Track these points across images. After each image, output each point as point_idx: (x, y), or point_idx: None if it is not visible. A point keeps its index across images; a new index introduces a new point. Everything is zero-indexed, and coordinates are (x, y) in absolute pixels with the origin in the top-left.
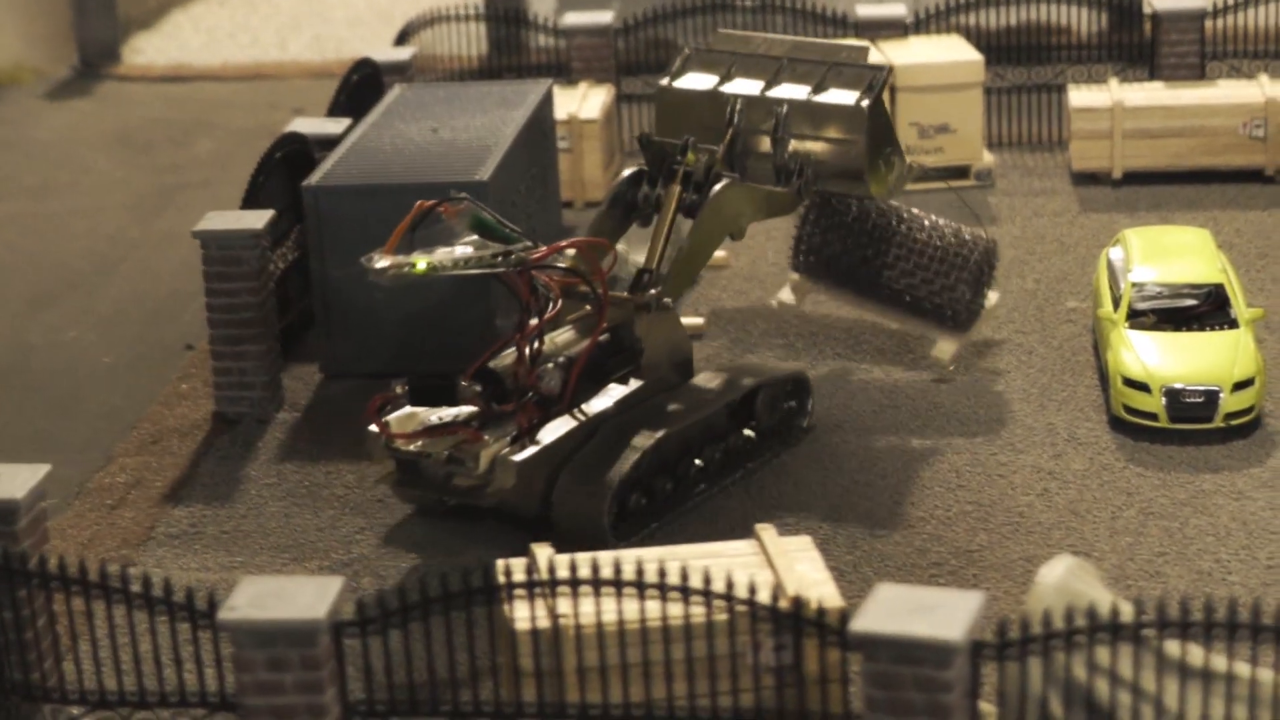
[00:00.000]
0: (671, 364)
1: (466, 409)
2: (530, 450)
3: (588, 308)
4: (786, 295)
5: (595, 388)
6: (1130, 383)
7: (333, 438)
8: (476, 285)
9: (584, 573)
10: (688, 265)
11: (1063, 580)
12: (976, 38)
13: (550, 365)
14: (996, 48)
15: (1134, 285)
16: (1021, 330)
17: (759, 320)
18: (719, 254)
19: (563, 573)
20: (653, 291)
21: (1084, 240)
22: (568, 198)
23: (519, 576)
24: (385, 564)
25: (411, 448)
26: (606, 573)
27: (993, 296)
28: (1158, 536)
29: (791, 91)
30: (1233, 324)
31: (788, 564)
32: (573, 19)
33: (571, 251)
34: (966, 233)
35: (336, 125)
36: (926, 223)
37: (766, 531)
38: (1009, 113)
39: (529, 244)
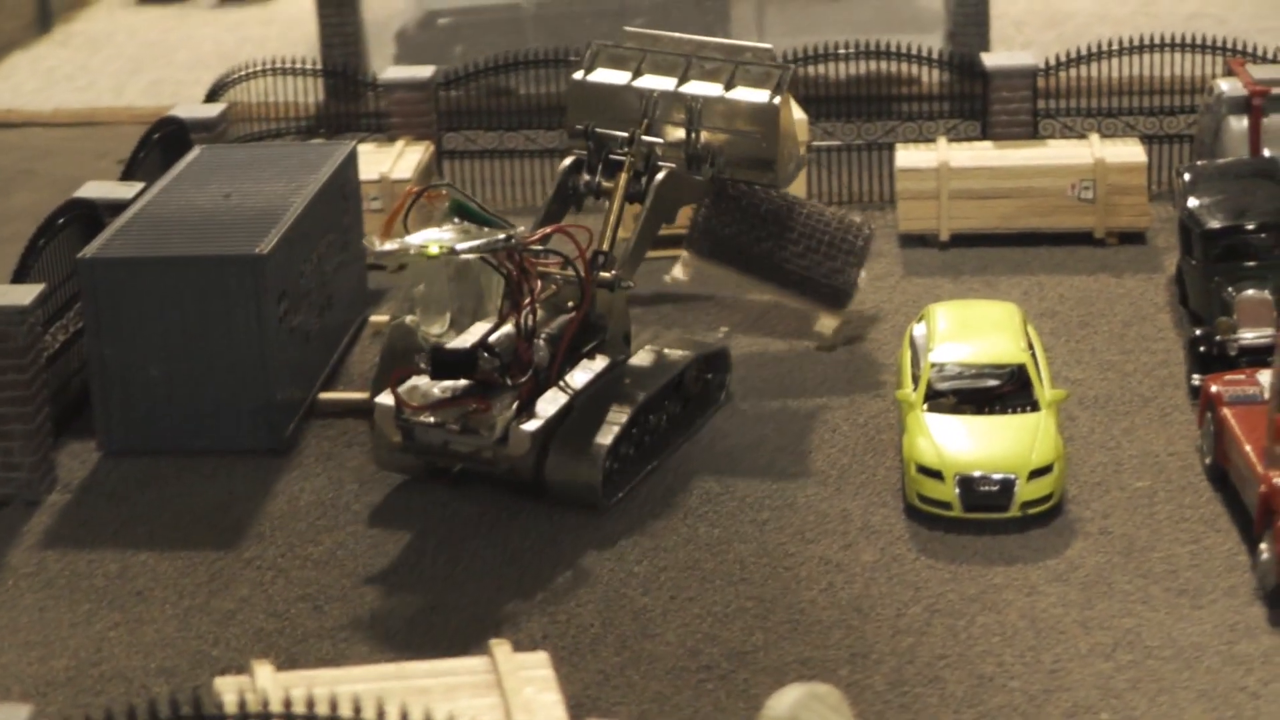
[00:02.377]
0: (622, 338)
1: (464, 383)
2: (539, 421)
3: (553, 288)
4: (678, 272)
5: (570, 362)
6: (924, 470)
7: (103, 521)
8: (253, 358)
9: (297, 703)
10: (639, 248)
11: (790, 713)
12: (815, 88)
13: (539, 341)
14: (833, 99)
15: (933, 365)
16: (829, 405)
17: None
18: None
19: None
20: (614, 271)
21: (904, 306)
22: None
23: (230, 698)
24: (133, 664)
25: (425, 418)
26: (320, 705)
27: (863, 274)
28: (941, 636)
29: (704, 88)
30: (1035, 406)
31: (516, 686)
32: (392, 74)
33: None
34: (848, 219)
35: (128, 190)
36: (813, 209)
37: (501, 648)
38: (838, 171)
39: (521, 229)
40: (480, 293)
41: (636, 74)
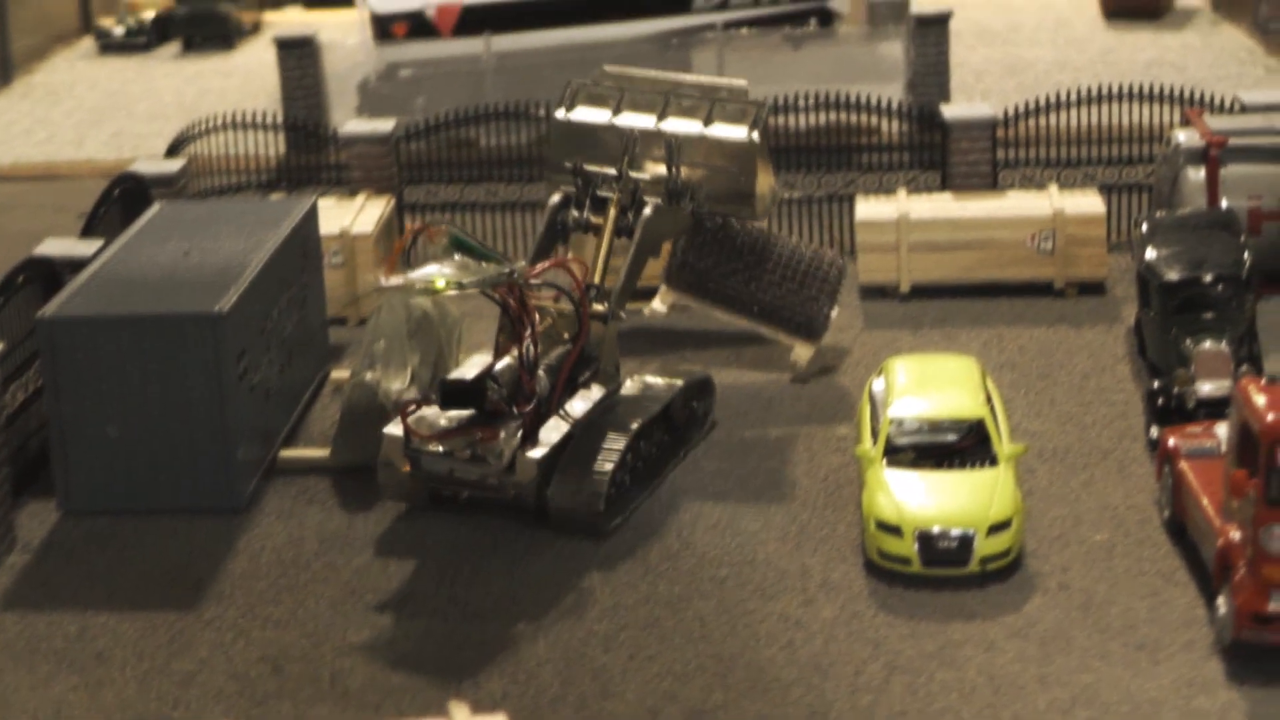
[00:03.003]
0: (612, 366)
1: (467, 413)
2: (543, 448)
3: (549, 321)
4: (658, 305)
5: (569, 392)
6: (883, 526)
7: (63, 582)
8: (213, 417)
9: None
10: (629, 281)
11: None
12: (776, 138)
13: (540, 372)
14: (793, 150)
15: (892, 421)
16: (788, 460)
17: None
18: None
19: None
20: (606, 304)
21: (864, 359)
22: (340, 315)
23: None
24: None
25: (433, 447)
26: None
27: (835, 308)
28: (900, 694)
29: (682, 124)
30: (993, 461)
31: None
32: (352, 128)
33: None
34: (821, 252)
35: (87, 247)
36: (788, 243)
37: (460, 709)
38: (799, 222)
39: (522, 264)
40: (440, 347)
41: (616, 111)
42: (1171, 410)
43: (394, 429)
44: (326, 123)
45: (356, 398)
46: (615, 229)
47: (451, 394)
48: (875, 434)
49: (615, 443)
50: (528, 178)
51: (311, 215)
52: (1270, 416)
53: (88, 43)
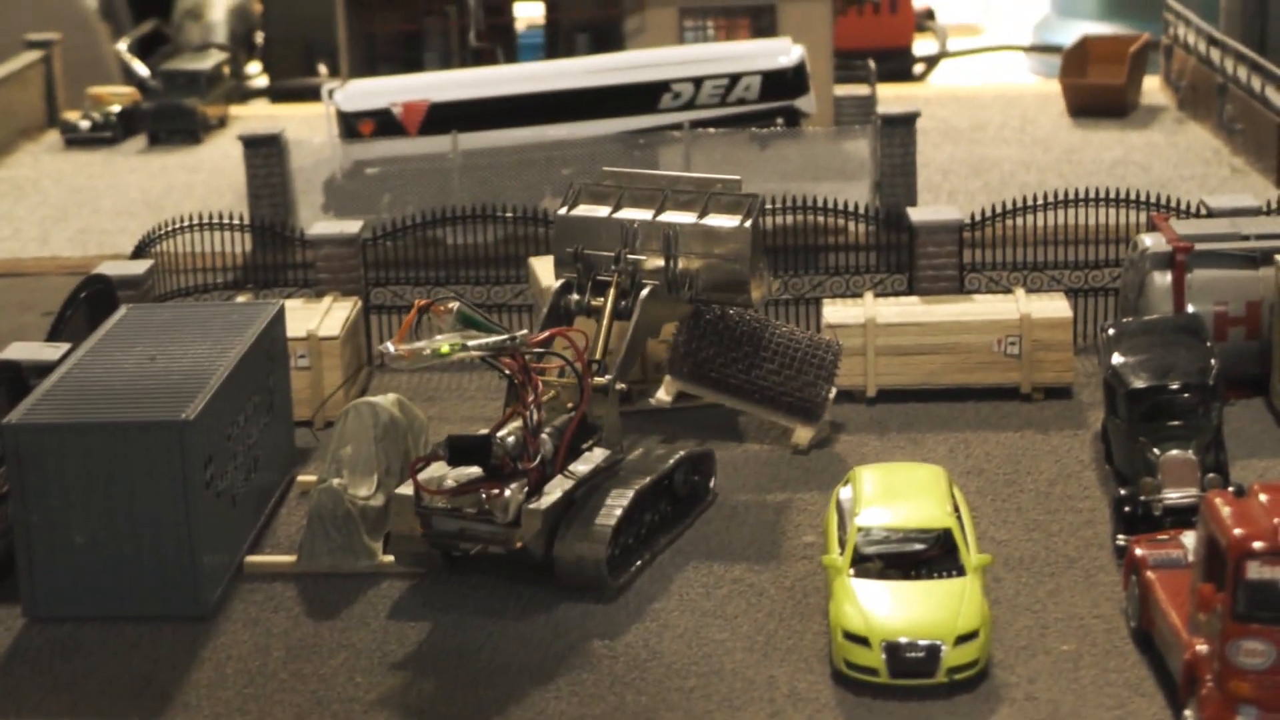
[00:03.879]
0: (618, 440)
1: (473, 471)
2: (546, 500)
3: (552, 392)
4: (662, 394)
5: (572, 456)
6: (850, 636)
7: (27, 690)
8: (179, 524)
9: None
10: (629, 357)
11: None
12: None
13: (544, 435)
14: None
15: (860, 529)
16: (755, 568)
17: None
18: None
19: None
20: (608, 377)
21: (831, 465)
22: (306, 417)
23: None
24: None
25: (442, 503)
26: None
27: (834, 389)
28: None
29: (679, 216)
30: (960, 571)
31: None
32: (319, 229)
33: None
34: (817, 337)
35: (53, 351)
36: (784, 329)
37: None
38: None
39: (525, 333)
40: (406, 452)
41: (617, 208)
42: (1138, 518)
43: (404, 489)
44: (293, 221)
45: (323, 503)
46: (615, 310)
47: (459, 450)
48: (842, 543)
49: (618, 500)
50: (495, 279)
51: (278, 319)
52: (1237, 531)
53: (53, 136)
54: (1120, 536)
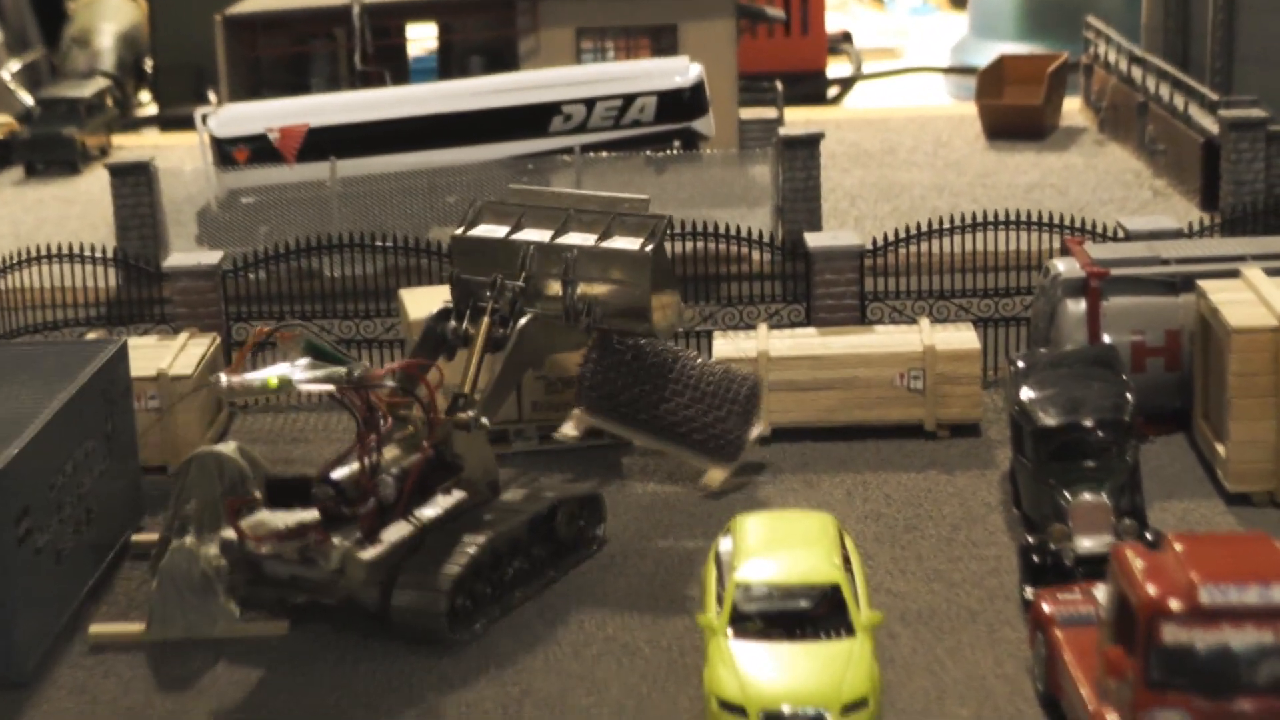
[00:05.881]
0: (485, 481)
1: (308, 515)
2: (377, 549)
3: (410, 429)
4: (569, 429)
5: (422, 498)
6: (726, 705)
7: None
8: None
9: None
10: (498, 391)
11: None
12: None
13: (386, 476)
14: None
15: (739, 585)
16: (629, 624)
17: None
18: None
19: None
20: (470, 413)
21: (718, 511)
22: (157, 462)
23: None
24: None
25: (265, 550)
26: None
27: (755, 430)
28: None
29: (579, 239)
30: (850, 630)
31: None
32: (175, 261)
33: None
34: (733, 371)
35: None
36: (698, 361)
37: None
38: None
39: (366, 365)
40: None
41: (516, 228)
42: (1047, 569)
43: (228, 532)
44: (162, 254)
45: (177, 564)
46: (490, 341)
47: (276, 490)
48: (721, 600)
49: (467, 547)
50: (367, 313)
51: (119, 358)
52: (1150, 589)
53: None
54: (1027, 588)
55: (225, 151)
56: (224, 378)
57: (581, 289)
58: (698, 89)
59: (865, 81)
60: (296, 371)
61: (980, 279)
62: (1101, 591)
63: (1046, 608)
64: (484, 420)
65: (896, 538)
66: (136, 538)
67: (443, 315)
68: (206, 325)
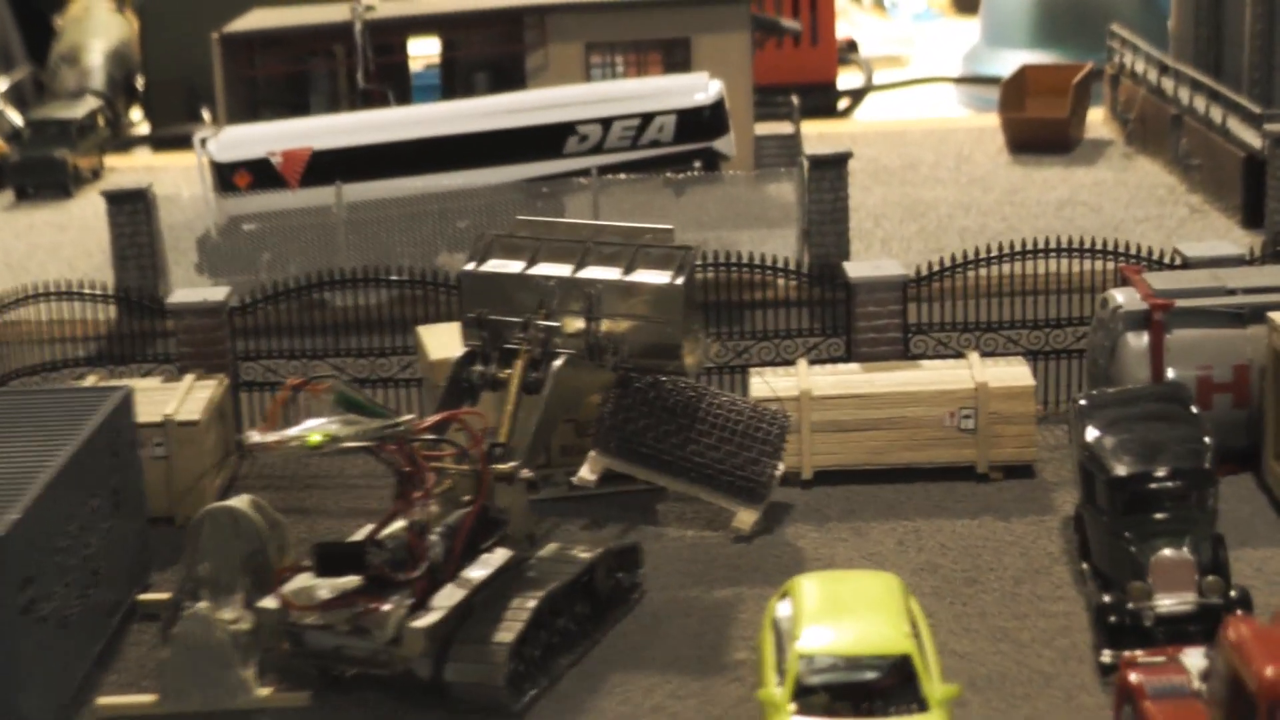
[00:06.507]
0: (525, 534)
1: (353, 581)
2: (433, 617)
3: (447, 482)
4: (585, 472)
5: (469, 557)
6: None
7: None
8: None
9: None
10: (538, 439)
11: None
12: None
13: (433, 536)
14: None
15: (801, 656)
16: (675, 694)
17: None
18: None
19: None
20: (512, 463)
21: (764, 563)
22: (165, 513)
23: None
24: None
25: (310, 620)
26: None
27: (780, 466)
28: None
29: (603, 273)
30: (922, 705)
31: None
32: (180, 297)
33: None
34: (761, 407)
35: None
36: (724, 399)
37: None
38: None
39: (402, 418)
40: (267, 563)
41: (532, 262)
42: (1125, 630)
43: (269, 601)
44: (164, 285)
45: (192, 632)
46: (524, 384)
47: (328, 558)
48: (782, 671)
49: (518, 612)
50: (381, 349)
51: (124, 408)
52: (1269, 671)
53: None
54: (1105, 652)
55: (225, 177)
56: (256, 435)
57: (606, 326)
58: (719, 106)
59: (876, 92)
60: (337, 427)
61: (1028, 306)
62: (1191, 658)
63: (1135, 678)
64: (525, 472)
65: (957, 592)
66: (143, 597)
67: (468, 359)
68: (213, 366)
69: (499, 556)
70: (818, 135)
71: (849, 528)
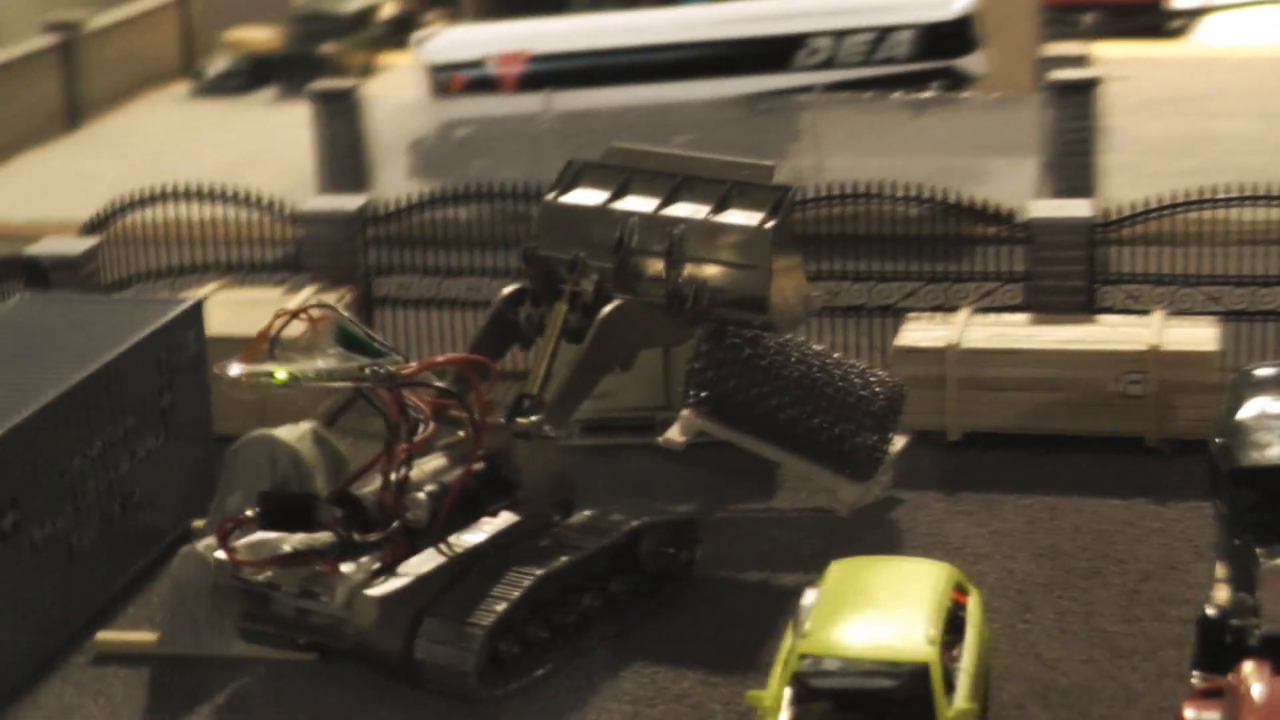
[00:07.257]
0: (552, 500)
1: (324, 536)
2: (392, 585)
3: (461, 434)
4: (674, 433)
5: (467, 520)
6: None
7: None
8: None
9: None
10: (571, 394)
11: None
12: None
13: (419, 494)
14: (832, 239)
15: (804, 657)
16: (707, 681)
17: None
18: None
19: None
20: (534, 419)
21: (856, 541)
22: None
23: None
24: None
25: (260, 577)
26: None
27: (898, 442)
28: None
29: (689, 210)
30: None
31: None
32: (312, 205)
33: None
34: (872, 373)
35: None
36: (829, 361)
37: None
38: (841, 336)
39: (399, 358)
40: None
41: (617, 195)
42: (1226, 649)
43: (221, 554)
44: (367, 189)
45: (186, 571)
46: (567, 331)
47: (273, 510)
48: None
49: (507, 590)
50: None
51: (185, 321)
52: None
53: (183, 85)
54: (1195, 674)
55: (440, 80)
56: (235, 366)
57: (688, 270)
58: (965, 21)
59: (1216, 13)
60: (314, 363)
61: (1244, 260)
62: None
63: (1189, 713)
64: (548, 429)
65: (1070, 584)
66: (199, 524)
67: (516, 297)
68: (341, 279)
69: (502, 521)
70: (1120, 59)
71: (980, 499)
